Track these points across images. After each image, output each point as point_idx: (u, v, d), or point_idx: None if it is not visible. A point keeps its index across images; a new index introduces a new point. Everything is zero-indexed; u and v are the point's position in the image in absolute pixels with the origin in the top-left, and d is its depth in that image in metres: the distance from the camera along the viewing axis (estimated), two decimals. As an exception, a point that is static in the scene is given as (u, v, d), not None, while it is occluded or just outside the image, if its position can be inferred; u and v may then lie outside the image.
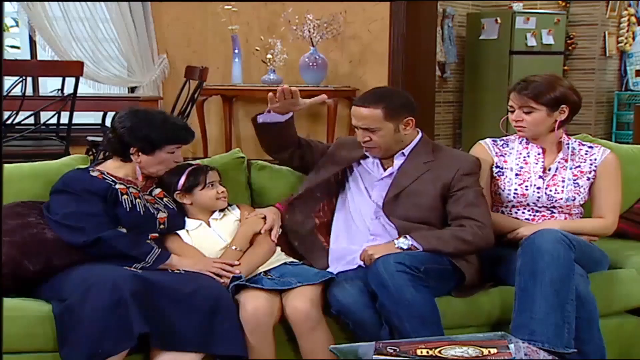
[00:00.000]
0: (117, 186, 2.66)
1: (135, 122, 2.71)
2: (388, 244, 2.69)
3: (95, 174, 2.68)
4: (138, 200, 2.68)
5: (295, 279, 2.62)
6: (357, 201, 2.89)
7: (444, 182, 2.78)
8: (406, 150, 2.86)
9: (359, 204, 2.88)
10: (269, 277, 2.67)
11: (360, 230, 2.86)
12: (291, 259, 2.83)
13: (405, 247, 2.64)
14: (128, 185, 2.69)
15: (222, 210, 2.84)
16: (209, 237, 2.76)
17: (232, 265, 2.64)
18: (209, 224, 2.79)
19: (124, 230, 2.62)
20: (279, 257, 2.81)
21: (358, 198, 2.89)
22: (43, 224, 2.60)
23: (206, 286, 2.48)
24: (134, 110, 2.77)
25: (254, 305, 2.51)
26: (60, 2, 6.52)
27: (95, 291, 2.33)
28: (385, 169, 2.89)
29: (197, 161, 2.93)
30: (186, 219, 2.80)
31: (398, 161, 2.86)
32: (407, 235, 2.67)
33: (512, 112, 2.92)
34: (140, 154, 2.70)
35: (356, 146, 2.90)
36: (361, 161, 2.93)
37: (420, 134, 2.91)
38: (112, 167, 2.74)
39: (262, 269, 2.72)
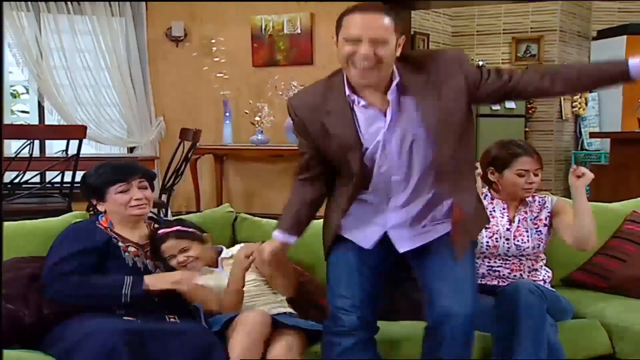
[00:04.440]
0: (120, 244, 2.56)
1: (84, 177, 2.65)
2: None
3: (99, 225, 2.60)
4: (137, 258, 2.57)
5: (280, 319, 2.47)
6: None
7: (460, 88, 2.19)
8: (394, 82, 2.18)
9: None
10: None
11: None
12: (291, 311, 2.65)
13: None
14: (127, 244, 2.58)
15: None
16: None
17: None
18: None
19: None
20: (281, 304, 2.65)
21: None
22: (37, 275, 2.50)
23: (197, 337, 2.37)
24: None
25: (256, 313, 2.41)
26: (67, 71, 6.54)
27: (89, 340, 2.23)
28: (383, 113, 2.19)
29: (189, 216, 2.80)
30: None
31: (392, 97, 2.18)
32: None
33: (522, 176, 2.86)
34: (99, 202, 2.61)
35: (314, 99, 2.26)
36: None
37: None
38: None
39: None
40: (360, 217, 2.34)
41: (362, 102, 2.19)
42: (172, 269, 2.61)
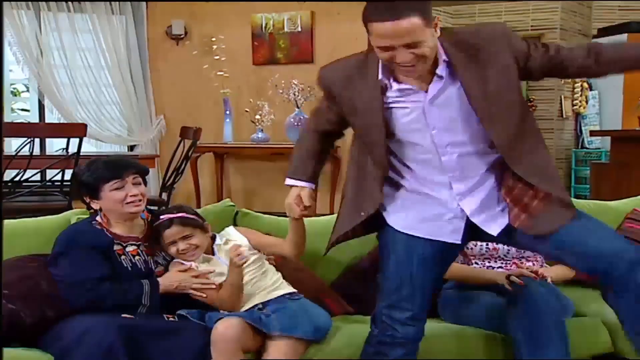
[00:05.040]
0: (115, 247, 2.51)
1: (76, 174, 2.63)
2: None
3: (97, 226, 2.56)
4: (137, 257, 2.53)
5: (281, 324, 2.41)
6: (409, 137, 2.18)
7: (508, 65, 2.10)
8: (442, 59, 2.09)
9: (413, 139, 2.18)
10: (263, 313, 2.45)
11: (424, 170, 2.22)
12: (292, 289, 2.57)
13: None
14: (125, 244, 2.54)
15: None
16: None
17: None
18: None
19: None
20: (279, 286, 2.56)
21: (410, 134, 2.18)
22: (40, 275, 2.48)
23: (193, 335, 2.37)
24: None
25: (227, 325, 2.34)
26: (67, 70, 6.54)
27: (87, 338, 2.23)
28: (423, 90, 2.11)
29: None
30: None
31: (442, 73, 2.10)
32: None
33: None
34: (93, 200, 2.56)
35: (346, 74, 2.20)
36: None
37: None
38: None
39: (259, 299, 2.49)
40: (426, 211, 2.24)
41: (397, 86, 2.11)
42: (171, 258, 2.58)
